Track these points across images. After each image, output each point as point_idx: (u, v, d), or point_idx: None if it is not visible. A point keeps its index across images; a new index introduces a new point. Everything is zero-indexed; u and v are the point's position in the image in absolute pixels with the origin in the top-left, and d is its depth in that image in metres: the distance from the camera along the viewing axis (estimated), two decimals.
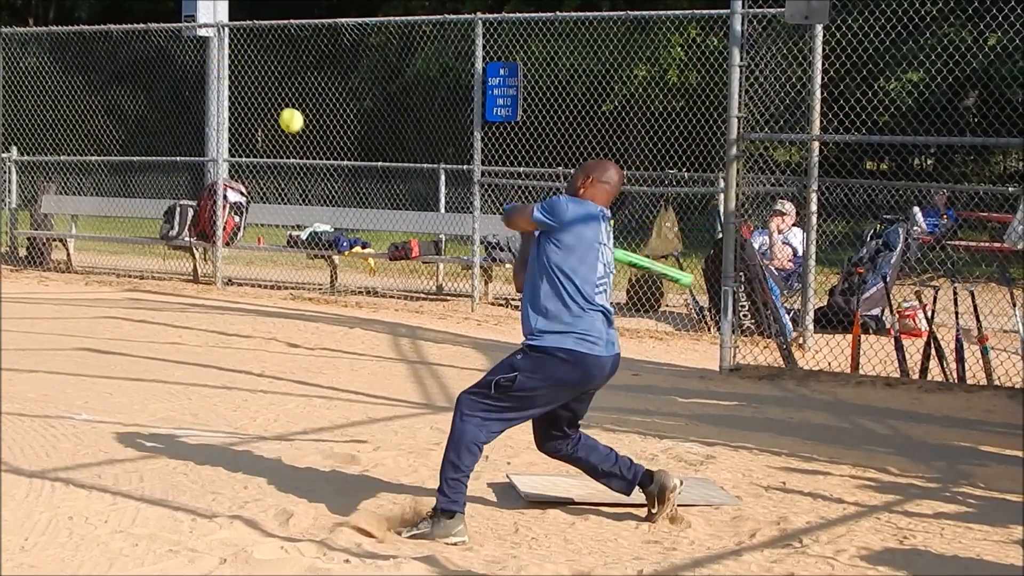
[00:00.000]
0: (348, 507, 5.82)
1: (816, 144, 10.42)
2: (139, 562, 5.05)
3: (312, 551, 5.21)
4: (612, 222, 5.84)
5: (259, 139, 20.41)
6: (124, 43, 18.14)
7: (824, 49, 10.40)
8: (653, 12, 13.59)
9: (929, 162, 22.07)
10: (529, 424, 5.81)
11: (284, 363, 9.83)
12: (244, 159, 16.46)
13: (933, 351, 9.33)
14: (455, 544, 5.40)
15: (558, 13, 13.92)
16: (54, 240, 16.77)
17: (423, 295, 14.26)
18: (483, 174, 13.42)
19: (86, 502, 5.85)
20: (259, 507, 5.80)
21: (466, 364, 9.93)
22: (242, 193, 15.21)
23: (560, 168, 13.81)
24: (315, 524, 5.59)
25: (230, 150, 15.85)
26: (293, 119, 7.06)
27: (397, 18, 18.55)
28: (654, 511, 5.82)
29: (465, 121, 14.91)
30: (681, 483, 5.88)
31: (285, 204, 17.13)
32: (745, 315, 10.89)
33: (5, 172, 16.63)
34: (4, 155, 16.59)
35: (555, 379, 5.54)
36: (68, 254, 16.42)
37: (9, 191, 16.61)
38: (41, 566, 4.96)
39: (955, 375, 9.29)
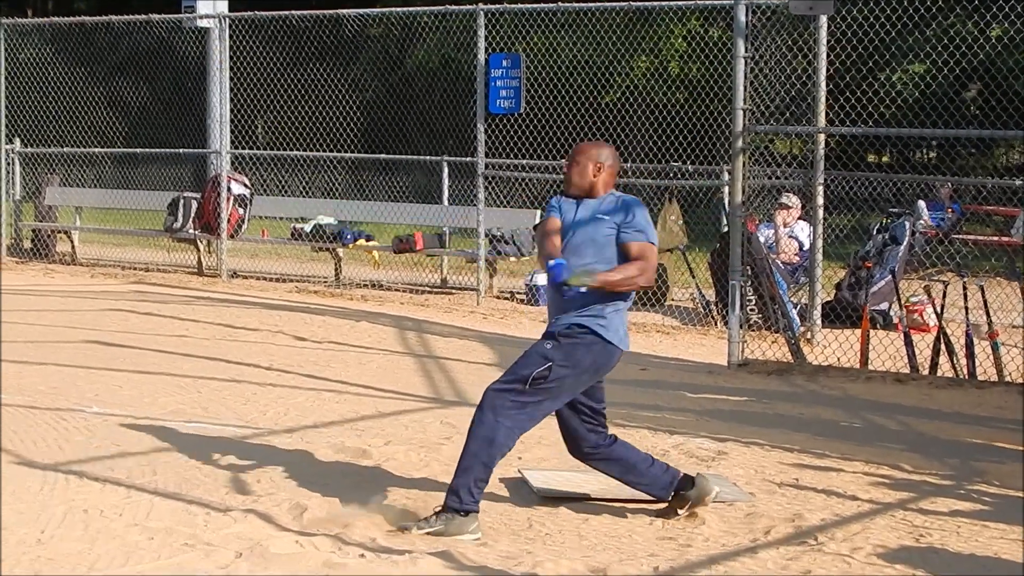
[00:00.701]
0: (361, 501, 5.81)
1: (822, 137, 10.39)
2: (156, 555, 5.05)
3: (327, 545, 5.20)
4: None
5: (259, 131, 20.35)
6: (125, 34, 18.09)
7: (829, 41, 10.37)
8: (654, 3, 13.48)
9: (931, 155, 22.03)
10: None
11: (292, 356, 9.82)
12: (246, 151, 16.42)
13: (943, 346, 9.31)
14: (470, 541, 5.38)
15: (559, 3, 13.83)
16: (59, 232, 16.74)
17: (428, 288, 14.24)
18: (487, 167, 13.37)
19: (100, 495, 5.85)
20: (272, 501, 5.79)
21: (474, 358, 9.93)
22: (246, 185, 15.17)
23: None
24: (329, 518, 5.57)
25: (232, 142, 15.81)
26: None
27: (398, 8, 18.50)
28: (681, 512, 5.78)
29: (467, 113, 14.86)
30: (718, 491, 5.86)
31: (288, 196, 17.07)
32: (752, 309, 10.86)
33: (9, 164, 16.59)
34: (7, 147, 16.55)
35: (584, 364, 5.51)
36: (73, 246, 16.39)
37: (13, 183, 16.58)
38: (59, 559, 4.96)
39: (965, 371, 9.26)
